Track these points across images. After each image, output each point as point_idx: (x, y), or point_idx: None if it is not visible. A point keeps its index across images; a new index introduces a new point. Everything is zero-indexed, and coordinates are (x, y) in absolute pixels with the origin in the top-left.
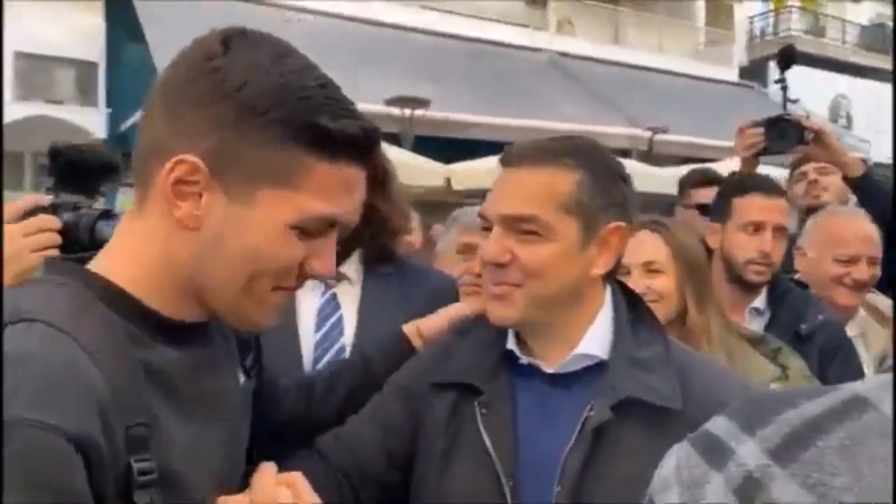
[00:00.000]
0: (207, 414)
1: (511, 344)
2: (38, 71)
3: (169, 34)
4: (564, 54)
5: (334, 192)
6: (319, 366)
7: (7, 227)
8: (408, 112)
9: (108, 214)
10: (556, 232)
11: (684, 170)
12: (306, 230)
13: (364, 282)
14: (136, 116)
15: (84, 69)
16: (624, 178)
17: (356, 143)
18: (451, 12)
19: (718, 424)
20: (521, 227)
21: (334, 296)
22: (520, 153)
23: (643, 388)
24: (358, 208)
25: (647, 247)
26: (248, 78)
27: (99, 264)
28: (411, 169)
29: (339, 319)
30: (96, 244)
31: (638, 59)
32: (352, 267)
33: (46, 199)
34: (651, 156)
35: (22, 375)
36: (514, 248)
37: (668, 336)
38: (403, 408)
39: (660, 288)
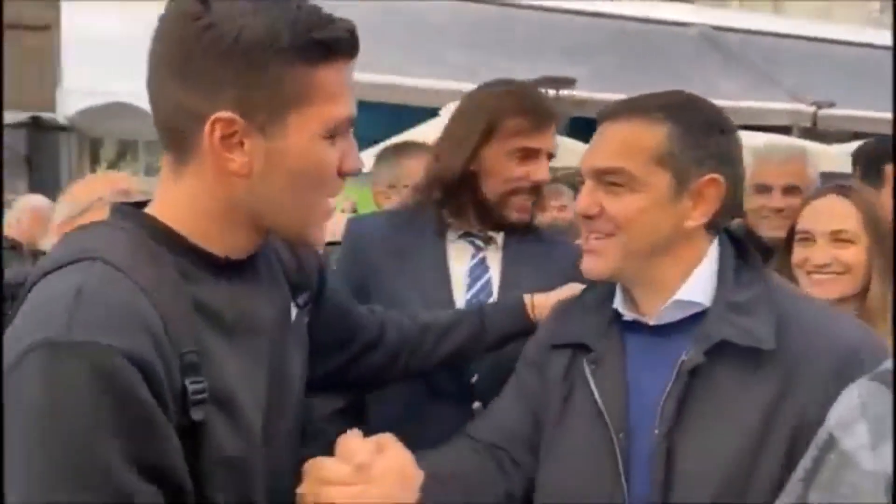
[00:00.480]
0: (251, 341)
1: (617, 302)
2: None
3: None
4: (717, 28)
5: (341, 92)
6: None
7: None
8: (553, 92)
9: None
10: (644, 184)
11: (854, 146)
12: (333, 135)
13: (505, 245)
14: None
15: None
16: (724, 131)
17: (344, 41)
18: None
19: None
20: (609, 179)
21: (483, 259)
22: (614, 108)
23: (737, 331)
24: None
25: (836, 214)
26: (240, 24)
27: (153, 208)
28: (559, 149)
29: (488, 281)
30: None
31: (800, 30)
32: (499, 234)
33: None
34: (816, 132)
35: (83, 306)
36: (602, 200)
37: (774, 279)
38: (536, 373)
39: (849, 259)
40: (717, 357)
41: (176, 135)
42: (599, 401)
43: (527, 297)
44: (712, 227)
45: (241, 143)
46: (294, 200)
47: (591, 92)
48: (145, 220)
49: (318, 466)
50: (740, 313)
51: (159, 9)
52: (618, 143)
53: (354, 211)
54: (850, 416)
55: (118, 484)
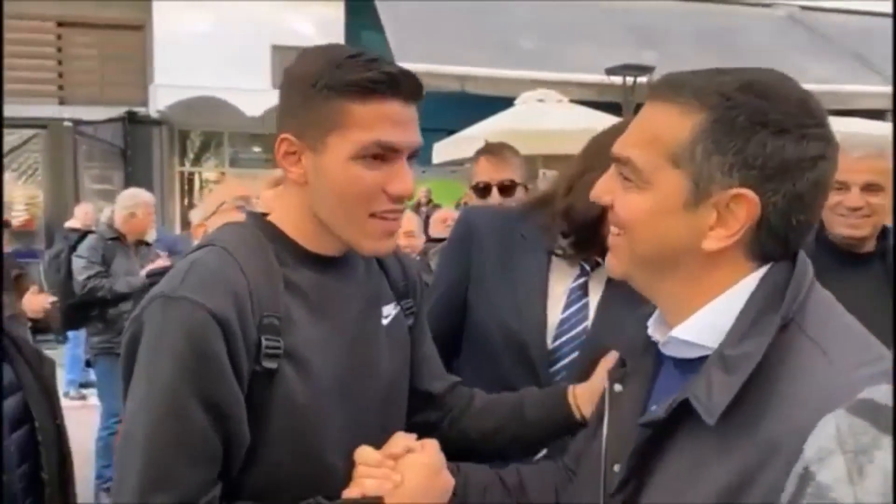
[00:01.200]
0: (334, 319)
1: (653, 317)
2: (289, 61)
3: (406, 23)
4: (806, 7)
5: (376, 123)
6: (558, 342)
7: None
8: (630, 80)
9: None
10: (650, 182)
11: None
12: (373, 156)
13: (609, 278)
14: None
15: None
16: (785, 131)
17: (380, 82)
18: None
19: (882, 392)
20: (621, 170)
21: (585, 283)
22: (656, 83)
23: (702, 392)
24: (407, 135)
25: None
26: (303, 69)
27: (273, 216)
28: None
29: (585, 305)
30: None
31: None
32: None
33: None
34: None
35: (191, 273)
36: (616, 191)
37: (796, 331)
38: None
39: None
40: (682, 418)
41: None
42: (605, 424)
43: (570, 388)
44: (757, 254)
45: (300, 159)
46: (340, 210)
47: None
48: (261, 221)
49: (359, 450)
50: (722, 370)
51: (243, 8)
52: (638, 129)
53: (429, 200)
54: (827, 448)
55: (182, 408)
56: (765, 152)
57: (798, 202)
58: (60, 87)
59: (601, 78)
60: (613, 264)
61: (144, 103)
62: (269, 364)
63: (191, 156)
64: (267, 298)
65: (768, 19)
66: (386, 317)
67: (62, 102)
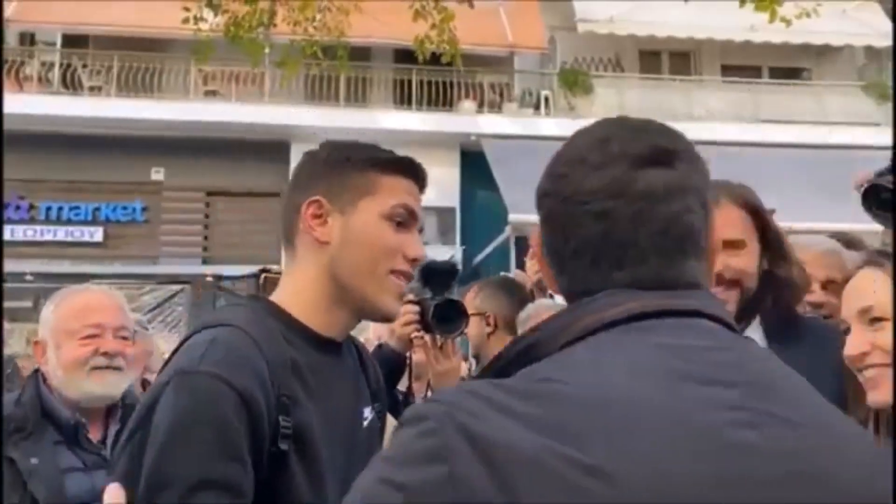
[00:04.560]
0: (326, 406)
1: None
2: None
3: (516, 176)
4: None
5: (400, 191)
6: None
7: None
8: None
9: (449, 301)
10: None
11: None
12: (395, 219)
13: (767, 346)
14: (487, 251)
15: (444, 214)
16: None
17: (403, 162)
18: (789, 122)
19: None
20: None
21: None
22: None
23: None
24: (419, 209)
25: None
26: (331, 150)
27: (274, 295)
28: None
29: None
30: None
31: None
32: (755, 335)
33: (409, 296)
34: None
35: (213, 350)
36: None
37: None
38: None
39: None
40: None
41: (289, 230)
42: None
43: None
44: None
45: (326, 221)
46: (366, 264)
47: (786, 221)
48: (266, 303)
49: None
50: None
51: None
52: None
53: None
54: None
55: (190, 481)
56: None
57: None
58: (205, 249)
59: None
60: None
61: (278, 260)
62: (283, 445)
63: None
64: (280, 378)
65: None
66: (366, 419)
67: (205, 262)
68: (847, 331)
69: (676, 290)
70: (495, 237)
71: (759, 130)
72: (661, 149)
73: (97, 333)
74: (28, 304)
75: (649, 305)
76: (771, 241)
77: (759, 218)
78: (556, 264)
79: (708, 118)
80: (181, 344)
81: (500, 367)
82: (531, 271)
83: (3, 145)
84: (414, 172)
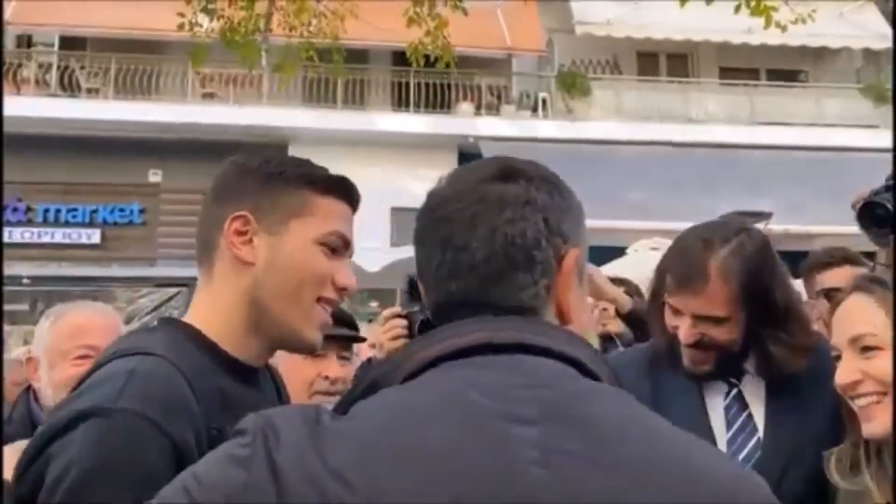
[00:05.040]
0: None
1: None
2: (408, 220)
3: None
4: None
5: (335, 216)
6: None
7: (375, 329)
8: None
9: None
10: None
11: None
12: (328, 246)
13: (768, 393)
14: None
15: None
16: None
17: (340, 183)
18: (786, 124)
19: None
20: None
21: (740, 393)
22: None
23: None
24: (352, 235)
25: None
26: (262, 163)
27: (187, 317)
28: None
29: (749, 416)
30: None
31: None
32: (753, 361)
33: (397, 309)
34: None
35: (134, 383)
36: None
37: None
38: None
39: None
40: None
41: (207, 244)
42: None
43: None
44: None
45: (251, 240)
46: (292, 290)
47: (783, 224)
48: (183, 327)
49: None
50: None
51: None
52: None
53: None
54: None
55: None
56: None
57: None
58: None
59: None
60: (880, 426)
61: None
62: None
63: None
64: (210, 412)
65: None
66: None
67: None
68: (838, 358)
69: (503, 314)
70: None
71: (756, 132)
72: (509, 168)
73: (90, 354)
74: (25, 307)
75: (475, 340)
76: (763, 312)
77: (755, 291)
78: (423, 282)
79: (705, 120)
80: (89, 374)
81: (352, 400)
82: (598, 323)
83: (2, 149)
84: (350, 195)
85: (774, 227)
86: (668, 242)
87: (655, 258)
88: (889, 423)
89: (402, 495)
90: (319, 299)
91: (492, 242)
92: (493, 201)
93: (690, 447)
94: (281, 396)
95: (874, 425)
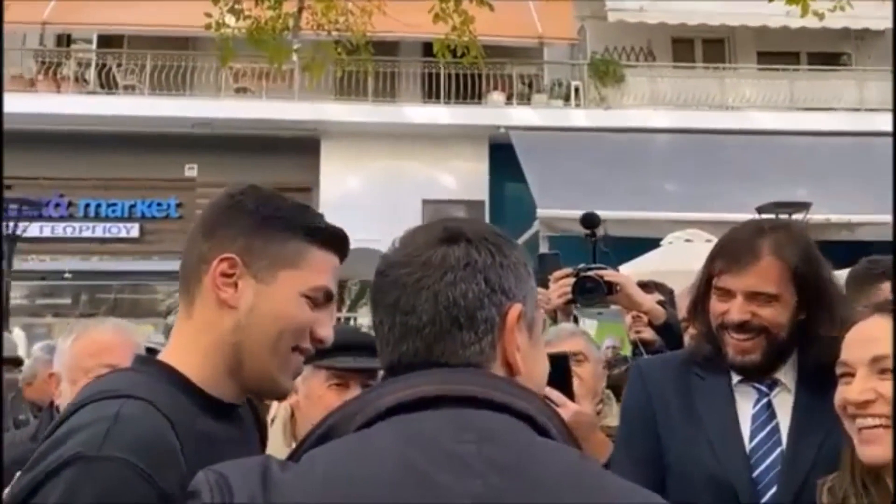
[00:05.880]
0: None
1: None
2: (439, 213)
3: (545, 169)
4: None
5: (326, 270)
6: (755, 474)
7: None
8: (784, 216)
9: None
10: None
11: None
12: (312, 299)
13: (797, 389)
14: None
15: (473, 208)
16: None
17: (337, 236)
18: (827, 109)
19: None
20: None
21: (769, 403)
22: None
23: None
24: (334, 292)
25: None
26: (259, 202)
27: (165, 356)
28: None
29: (776, 427)
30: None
31: None
32: (788, 374)
33: (568, 270)
34: None
35: (121, 429)
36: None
37: None
38: None
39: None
40: None
41: (190, 279)
42: None
43: None
44: None
45: (236, 284)
46: (272, 339)
47: (825, 214)
48: (160, 367)
49: None
50: None
51: (397, 169)
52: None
53: (615, 348)
54: None
55: None
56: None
57: None
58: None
59: (751, 216)
60: (882, 451)
61: None
62: None
63: (347, 302)
64: (195, 455)
65: None
66: None
67: None
68: (843, 376)
69: (452, 368)
70: (525, 231)
71: (796, 118)
72: (452, 231)
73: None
74: (68, 300)
75: (424, 392)
76: (814, 295)
77: (806, 273)
78: (378, 343)
79: (743, 107)
80: (64, 419)
81: (307, 447)
82: (631, 329)
83: (2, 147)
84: (342, 248)
85: (814, 216)
86: (703, 234)
87: (690, 250)
88: (891, 449)
89: None
90: (295, 349)
91: (435, 304)
92: (436, 265)
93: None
94: (261, 428)
95: (876, 450)
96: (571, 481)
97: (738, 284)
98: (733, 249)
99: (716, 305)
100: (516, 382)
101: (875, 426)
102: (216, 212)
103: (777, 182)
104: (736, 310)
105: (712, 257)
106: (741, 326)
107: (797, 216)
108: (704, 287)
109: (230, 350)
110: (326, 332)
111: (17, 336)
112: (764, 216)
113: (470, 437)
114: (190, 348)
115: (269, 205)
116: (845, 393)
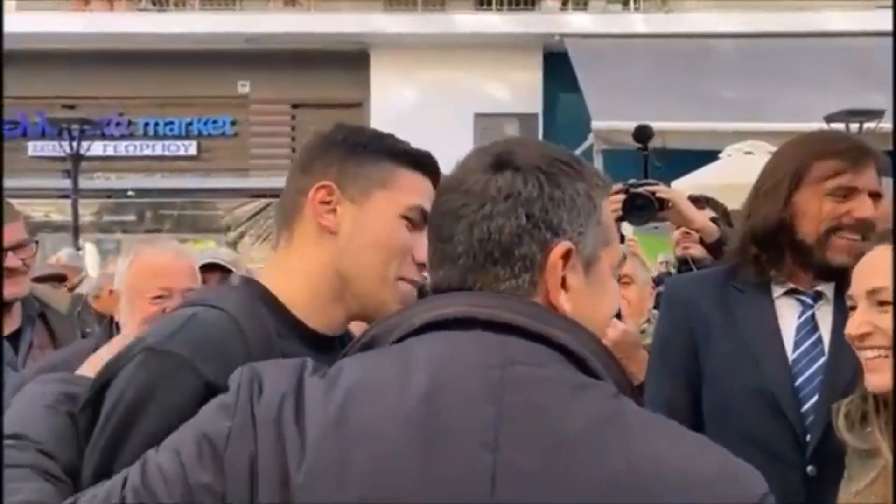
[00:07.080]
0: None
1: None
2: (491, 126)
3: (601, 79)
4: None
5: (418, 191)
6: (797, 383)
7: None
8: (856, 127)
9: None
10: None
11: None
12: (409, 220)
13: (836, 300)
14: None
15: (526, 120)
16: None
17: (423, 158)
18: None
19: None
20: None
21: (812, 316)
22: None
23: None
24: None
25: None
26: (348, 133)
27: (264, 278)
28: None
29: (819, 339)
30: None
31: None
32: (830, 287)
33: (619, 186)
34: None
35: (188, 329)
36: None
37: None
38: None
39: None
40: None
41: (290, 212)
42: None
43: None
44: None
45: (335, 210)
46: (373, 265)
47: None
48: (258, 287)
49: None
50: None
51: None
52: None
53: (668, 262)
54: None
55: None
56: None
57: None
58: (293, 161)
59: (819, 126)
60: (884, 380)
61: None
62: None
63: None
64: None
65: None
66: None
67: None
68: (853, 308)
69: (482, 292)
70: (580, 144)
71: (874, 17)
72: (503, 157)
73: (165, 294)
74: (133, 217)
75: (452, 313)
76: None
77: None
78: (427, 263)
79: (819, 6)
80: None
81: (352, 351)
82: (679, 245)
83: (2, 146)
84: (434, 171)
85: (886, 125)
86: (766, 146)
87: (750, 163)
88: (891, 379)
89: (343, 468)
90: (401, 278)
91: (470, 236)
92: (476, 194)
93: (664, 447)
94: None
95: (879, 378)
96: (593, 434)
97: (865, 182)
98: (851, 145)
99: (833, 207)
100: (555, 313)
101: (876, 357)
102: (310, 149)
103: (849, 89)
104: (867, 206)
105: (814, 157)
106: (862, 225)
107: (868, 125)
108: (791, 190)
109: (334, 276)
110: (425, 255)
111: (88, 252)
112: (833, 125)
113: (495, 361)
114: (292, 275)
115: (357, 134)
116: (846, 327)
